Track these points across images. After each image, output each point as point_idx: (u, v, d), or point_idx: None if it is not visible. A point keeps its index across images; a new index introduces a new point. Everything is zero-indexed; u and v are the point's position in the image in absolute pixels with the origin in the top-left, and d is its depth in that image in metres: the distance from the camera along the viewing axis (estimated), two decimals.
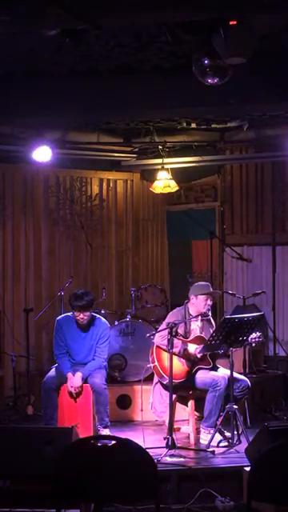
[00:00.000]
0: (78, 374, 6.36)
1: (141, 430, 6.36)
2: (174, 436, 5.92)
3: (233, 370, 6.13)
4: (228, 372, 6.17)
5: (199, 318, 6.50)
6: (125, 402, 7.39)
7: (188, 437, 6.41)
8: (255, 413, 7.03)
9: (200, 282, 6.72)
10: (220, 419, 6.13)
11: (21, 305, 8.41)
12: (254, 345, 6.64)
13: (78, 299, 6.41)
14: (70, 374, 6.37)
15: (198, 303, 6.48)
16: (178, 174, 8.98)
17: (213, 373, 6.32)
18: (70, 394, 6.34)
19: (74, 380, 6.33)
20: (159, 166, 8.81)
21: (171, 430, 5.96)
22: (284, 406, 7.59)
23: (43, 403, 6.43)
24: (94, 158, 8.96)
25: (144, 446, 4.36)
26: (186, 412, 6.52)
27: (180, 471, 5.58)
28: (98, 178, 9.30)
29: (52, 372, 6.50)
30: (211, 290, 6.60)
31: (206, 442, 6.12)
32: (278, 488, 3.63)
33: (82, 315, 6.43)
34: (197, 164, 8.92)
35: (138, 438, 5.81)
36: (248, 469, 4.95)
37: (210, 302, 6.51)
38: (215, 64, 5.36)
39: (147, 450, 3.76)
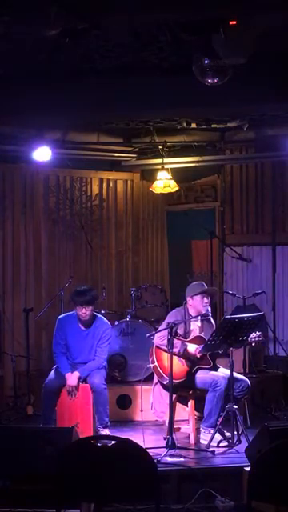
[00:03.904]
0: (75, 374, 6.37)
1: (141, 430, 6.36)
2: (173, 436, 5.92)
3: (233, 370, 6.13)
4: (228, 372, 6.17)
5: (199, 318, 6.50)
6: (125, 402, 7.39)
7: (188, 437, 6.41)
8: (255, 413, 7.03)
9: (193, 283, 6.69)
10: (220, 419, 6.13)
11: (21, 305, 8.40)
12: (253, 344, 6.64)
13: (82, 294, 6.43)
14: (68, 375, 6.38)
15: (195, 303, 6.48)
16: (178, 174, 8.98)
17: (213, 373, 6.32)
18: (68, 392, 6.35)
19: (70, 379, 6.33)
20: (159, 166, 8.81)
21: (171, 429, 5.96)
22: (284, 406, 7.59)
23: (43, 405, 6.44)
24: (94, 158, 8.96)
25: (144, 446, 4.36)
26: (185, 412, 6.52)
27: (180, 471, 5.57)
28: (98, 177, 9.30)
29: (52, 374, 6.49)
30: (205, 287, 6.58)
31: (206, 442, 6.12)
32: (278, 488, 3.63)
33: (84, 310, 6.43)
34: (197, 164, 8.93)
35: (138, 438, 5.81)
36: (248, 469, 4.95)
37: (207, 300, 6.49)
38: (215, 64, 5.36)
39: (147, 450, 3.77)
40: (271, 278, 8.87)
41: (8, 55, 5.83)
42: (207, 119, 8.06)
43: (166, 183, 8.77)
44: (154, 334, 6.40)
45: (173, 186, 8.82)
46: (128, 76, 6.38)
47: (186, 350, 6.30)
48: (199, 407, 6.40)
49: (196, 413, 6.48)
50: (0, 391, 8.12)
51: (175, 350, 6.11)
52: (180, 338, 6.30)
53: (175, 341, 6.08)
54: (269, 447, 3.85)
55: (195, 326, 6.54)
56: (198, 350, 6.27)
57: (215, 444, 6.05)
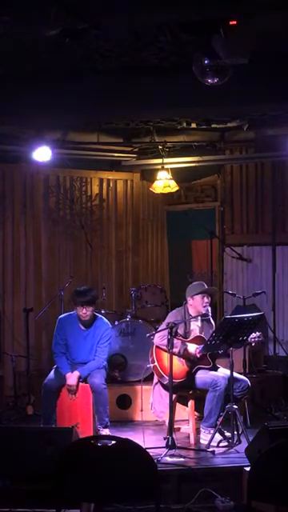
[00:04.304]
0: (75, 373, 6.37)
1: (141, 430, 6.36)
2: (173, 436, 5.92)
3: (233, 370, 6.13)
4: (228, 372, 6.17)
5: (199, 318, 6.50)
6: (125, 402, 7.39)
7: (188, 437, 6.40)
8: (255, 413, 7.03)
9: (193, 283, 6.70)
10: (220, 419, 6.13)
11: (21, 305, 8.40)
12: (253, 344, 6.64)
13: (82, 294, 6.43)
14: (69, 374, 6.38)
15: (195, 303, 6.48)
16: (178, 174, 8.98)
17: (213, 373, 6.32)
18: (68, 391, 6.35)
19: (70, 379, 6.34)
20: (159, 166, 8.81)
21: (171, 429, 5.96)
22: (284, 406, 7.59)
23: (43, 405, 6.44)
24: (94, 158, 8.97)
25: (144, 446, 4.36)
26: (186, 412, 6.52)
27: (180, 471, 5.57)
28: (98, 177, 9.30)
29: (52, 374, 6.49)
30: (205, 287, 6.58)
31: (206, 442, 6.12)
32: (278, 488, 3.63)
33: (84, 310, 6.43)
34: (197, 164, 8.93)
35: (138, 438, 5.81)
36: (248, 469, 4.96)
37: (207, 300, 6.50)
38: (215, 64, 5.36)
39: (147, 450, 3.77)
40: (271, 278, 8.87)
41: (8, 55, 5.83)
42: (207, 119, 8.06)
43: (166, 183, 8.77)
44: (153, 334, 6.40)
45: (173, 186, 8.82)
46: (128, 76, 6.38)
47: (186, 349, 6.30)
48: (199, 407, 6.40)
49: (196, 413, 6.48)
50: (0, 391, 8.12)
51: (175, 350, 6.11)
52: (180, 338, 6.30)
53: (175, 341, 6.08)
54: (269, 447, 3.85)
55: (195, 326, 6.54)
56: (198, 350, 6.27)
57: (215, 444, 6.05)
